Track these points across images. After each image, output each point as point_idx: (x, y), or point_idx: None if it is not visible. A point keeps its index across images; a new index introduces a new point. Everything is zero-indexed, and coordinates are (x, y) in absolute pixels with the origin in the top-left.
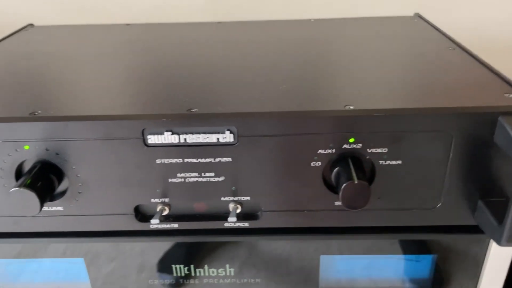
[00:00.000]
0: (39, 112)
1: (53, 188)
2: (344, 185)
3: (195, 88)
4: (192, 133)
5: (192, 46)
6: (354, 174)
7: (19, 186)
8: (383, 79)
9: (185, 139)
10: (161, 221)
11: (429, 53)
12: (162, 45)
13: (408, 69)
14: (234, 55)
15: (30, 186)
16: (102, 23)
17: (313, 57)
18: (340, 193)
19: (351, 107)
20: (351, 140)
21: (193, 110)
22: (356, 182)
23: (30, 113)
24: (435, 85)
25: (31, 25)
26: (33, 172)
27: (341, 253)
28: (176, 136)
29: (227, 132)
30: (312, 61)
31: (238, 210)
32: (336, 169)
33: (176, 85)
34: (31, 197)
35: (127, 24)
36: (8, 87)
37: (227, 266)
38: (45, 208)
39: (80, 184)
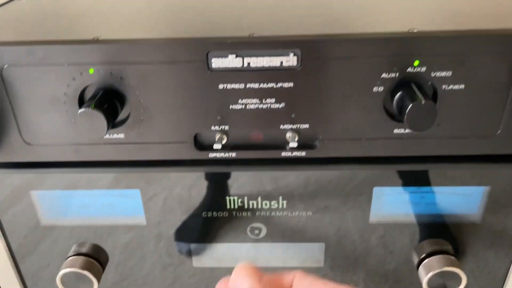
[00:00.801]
0: (102, 36)
1: (116, 113)
2: (411, 105)
3: (257, 12)
4: (256, 56)
5: None
6: (420, 95)
7: (87, 107)
8: (446, 2)
9: (248, 63)
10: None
11: None
12: None
13: None
14: None
15: (97, 108)
16: None
17: None
18: (406, 114)
19: (415, 30)
20: (416, 63)
21: (255, 35)
22: (423, 102)
23: (94, 38)
24: (502, 7)
25: None
26: (98, 96)
27: (394, 185)
28: (240, 59)
29: (291, 55)
30: None
31: (296, 139)
32: (399, 93)
33: (237, 9)
34: (99, 118)
35: None
36: (66, 16)
37: (280, 198)
38: (106, 136)
39: (142, 110)
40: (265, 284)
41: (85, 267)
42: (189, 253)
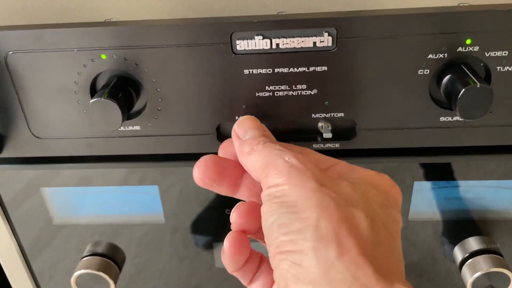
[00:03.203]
0: (115, 19)
1: (131, 103)
2: (464, 89)
3: None
4: (285, 37)
5: None
6: (474, 78)
7: (100, 97)
8: None
9: (277, 44)
10: None
11: None
12: None
13: None
14: None
15: (111, 97)
16: None
17: None
18: (458, 100)
19: (466, 4)
20: (468, 41)
21: (284, 13)
22: (478, 86)
23: (106, 20)
24: None
25: None
26: (112, 84)
27: (436, 179)
28: (267, 40)
29: (326, 35)
30: None
31: (329, 129)
32: (448, 76)
33: None
34: (113, 109)
35: None
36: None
37: None
38: (120, 128)
39: (159, 99)
40: (268, 136)
41: (101, 268)
42: (211, 253)
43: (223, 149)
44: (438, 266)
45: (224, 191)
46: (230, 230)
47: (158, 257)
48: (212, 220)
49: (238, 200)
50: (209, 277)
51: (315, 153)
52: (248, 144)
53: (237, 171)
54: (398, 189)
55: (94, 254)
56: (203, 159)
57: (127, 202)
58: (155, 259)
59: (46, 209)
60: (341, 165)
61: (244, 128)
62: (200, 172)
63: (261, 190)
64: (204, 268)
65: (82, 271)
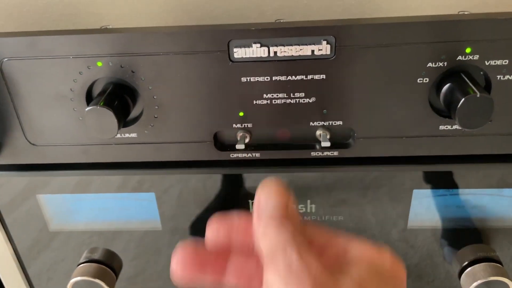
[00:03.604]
0: (111, 26)
1: (128, 111)
2: (463, 99)
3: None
4: (283, 45)
5: None
6: (474, 87)
7: (96, 104)
8: None
9: (275, 52)
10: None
11: None
12: None
13: None
14: None
15: (107, 105)
16: None
17: None
18: (457, 110)
19: (467, 13)
20: (468, 50)
21: (282, 21)
22: (478, 95)
23: (102, 27)
24: None
25: None
26: (108, 91)
27: (435, 187)
28: (265, 48)
29: (324, 43)
30: None
31: (328, 137)
32: (447, 85)
33: None
34: (109, 117)
35: None
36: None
37: (308, 202)
38: (117, 135)
39: (156, 107)
40: (287, 211)
41: (98, 275)
42: None
43: (213, 229)
44: (436, 275)
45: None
46: None
47: (154, 264)
48: None
49: (237, 208)
50: None
51: (313, 227)
52: (263, 225)
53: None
54: (401, 268)
55: (90, 260)
56: (180, 254)
57: (123, 209)
58: (151, 265)
59: (42, 216)
60: (338, 242)
61: (267, 195)
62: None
63: (251, 270)
64: None
65: (78, 278)
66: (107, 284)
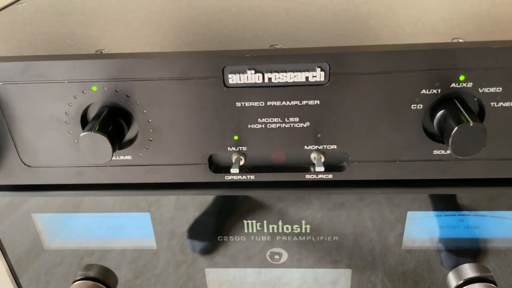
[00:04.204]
0: (106, 50)
1: (122, 135)
2: (456, 128)
3: (277, 23)
4: (277, 72)
5: None
6: (467, 116)
7: (90, 130)
8: (490, 6)
9: (269, 79)
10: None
11: None
12: None
13: None
14: None
15: (101, 130)
16: None
17: None
18: (451, 138)
19: (460, 40)
20: (462, 77)
21: (277, 47)
22: (471, 124)
23: (97, 51)
24: None
25: None
26: (102, 115)
27: (429, 209)
28: (259, 75)
29: (318, 70)
30: None
31: (322, 160)
32: (441, 112)
33: (256, 20)
34: (103, 142)
35: None
36: (67, 25)
37: (303, 222)
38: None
39: (151, 130)
40: None
41: None
42: (204, 279)
43: None
44: None
45: None
46: (223, 256)
47: (149, 284)
48: (204, 246)
49: (232, 228)
50: None
51: None
52: None
53: None
54: None
55: (85, 278)
56: None
57: (119, 228)
58: (146, 285)
59: (37, 234)
60: None
61: None
62: None
63: None
64: None
65: None
66: None
